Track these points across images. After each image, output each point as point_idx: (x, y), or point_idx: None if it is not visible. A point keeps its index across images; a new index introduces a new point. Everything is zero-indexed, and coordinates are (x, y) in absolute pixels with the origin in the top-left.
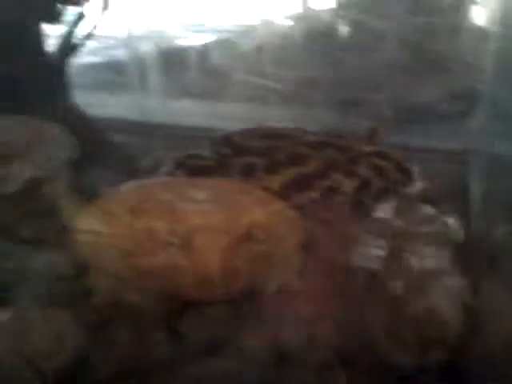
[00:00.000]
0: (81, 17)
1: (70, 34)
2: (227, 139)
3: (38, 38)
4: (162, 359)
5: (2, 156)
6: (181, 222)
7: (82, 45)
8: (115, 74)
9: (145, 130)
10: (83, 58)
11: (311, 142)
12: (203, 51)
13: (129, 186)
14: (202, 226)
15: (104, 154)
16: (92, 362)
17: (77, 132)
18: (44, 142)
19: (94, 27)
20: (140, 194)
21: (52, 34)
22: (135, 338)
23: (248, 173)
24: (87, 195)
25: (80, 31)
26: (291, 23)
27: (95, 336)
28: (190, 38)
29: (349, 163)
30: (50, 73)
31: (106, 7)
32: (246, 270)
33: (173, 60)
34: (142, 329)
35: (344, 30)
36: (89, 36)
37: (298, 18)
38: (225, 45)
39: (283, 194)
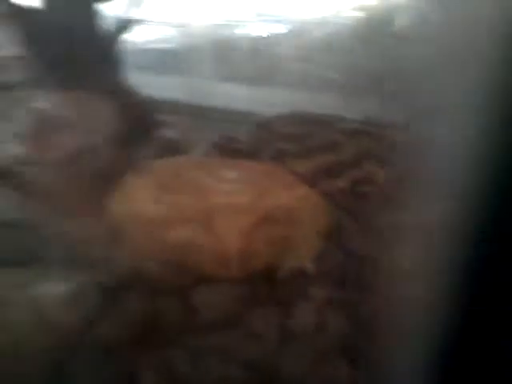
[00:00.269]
0: None
1: (123, 15)
2: (264, 124)
3: (92, 17)
4: (171, 329)
5: (51, 126)
6: (205, 200)
7: (134, 26)
8: (170, 57)
9: (193, 111)
10: (141, 41)
11: (347, 129)
12: (260, 40)
13: (163, 163)
14: (224, 205)
15: (149, 131)
16: (105, 324)
17: (125, 109)
18: (91, 115)
19: (146, 10)
20: (171, 171)
21: (106, 14)
22: (148, 305)
23: (280, 157)
24: (129, 169)
25: (134, 13)
26: (354, 15)
27: (111, 299)
28: (257, 27)
29: (385, 153)
30: (103, 50)
31: None
32: (263, 250)
33: (227, 47)
34: (156, 297)
35: (403, 20)
36: (141, 18)
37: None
38: (287, 35)
39: (312, 179)
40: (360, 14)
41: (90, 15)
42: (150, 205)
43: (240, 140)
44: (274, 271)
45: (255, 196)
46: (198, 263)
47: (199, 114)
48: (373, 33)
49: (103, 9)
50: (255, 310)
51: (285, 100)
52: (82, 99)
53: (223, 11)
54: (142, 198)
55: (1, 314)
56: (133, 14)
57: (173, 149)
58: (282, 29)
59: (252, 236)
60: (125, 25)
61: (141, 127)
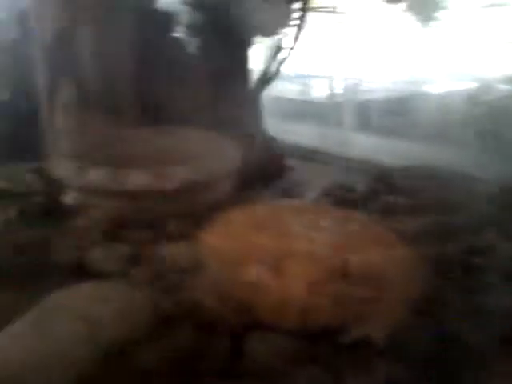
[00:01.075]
0: (278, 50)
1: (268, 67)
2: (382, 175)
3: (243, 66)
4: (219, 368)
5: (172, 158)
6: (284, 244)
7: (276, 77)
8: (309, 107)
9: (324, 159)
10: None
11: (472, 191)
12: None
13: (267, 204)
14: (301, 252)
15: (276, 174)
16: (151, 350)
17: (259, 153)
18: (212, 153)
19: (288, 61)
20: (269, 213)
21: (253, 66)
22: (199, 340)
23: (388, 211)
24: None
25: (278, 65)
26: None
27: (164, 324)
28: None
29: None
30: (248, 99)
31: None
32: (330, 308)
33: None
34: (209, 334)
35: None
36: (280, 70)
37: None
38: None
39: (416, 240)
40: None
41: (242, 64)
42: (232, 242)
43: (354, 189)
44: (337, 333)
45: (338, 248)
46: (259, 307)
47: (329, 161)
48: None
49: (251, 60)
50: (304, 369)
51: (420, 153)
52: (206, 137)
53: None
54: (228, 235)
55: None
56: (277, 67)
57: (290, 192)
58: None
59: (321, 289)
60: (270, 77)
61: (268, 170)
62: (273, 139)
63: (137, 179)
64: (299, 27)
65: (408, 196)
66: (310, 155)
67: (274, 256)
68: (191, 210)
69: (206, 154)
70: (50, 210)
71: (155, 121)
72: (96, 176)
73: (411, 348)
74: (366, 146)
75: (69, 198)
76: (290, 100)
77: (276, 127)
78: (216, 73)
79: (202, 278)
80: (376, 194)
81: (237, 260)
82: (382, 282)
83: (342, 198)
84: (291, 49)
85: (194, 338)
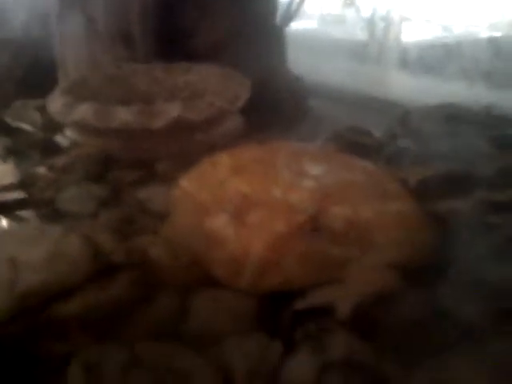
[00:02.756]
0: None
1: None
2: (404, 118)
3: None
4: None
5: (178, 96)
6: (257, 191)
7: (299, 13)
8: (346, 45)
9: (354, 99)
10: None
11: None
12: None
13: (260, 146)
14: (269, 200)
15: (296, 116)
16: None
17: (278, 92)
18: (215, 90)
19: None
20: (262, 155)
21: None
22: (139, 291)
23: (396, 160)
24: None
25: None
26: None
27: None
28: None
29: None
30: (271, 34)
31: None
32: (293, 266)
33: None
34: (152, 289)
35: None
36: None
37: None
38: None
39: (423, 193)
40: None
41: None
42: (204, 187)
43: (366, 133)
44: (296, 297)
45: (321, 198)
46: (213, 262)
47: (357, 102)
48: None
49: None
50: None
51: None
52: (224, 74)
53: None
54: (203, 179)
55: None
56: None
57: (305, 134)
58: None
59: (285, 244)
60: (295, 11)
61: (288, 110)
62: (297, 78)
63: (122, 116)
64: None
65: (424, 141)
66: (337, 95)
67: (242, 204)
68: (184, 150)
69: (209, 92)
70: (41, 147)
71: (170, 56)
72: (82, 112)
73: (382, 324)
74: (401, 86)
75: (61, 136)
76: (326, 38)
77: (306, 66)
78: (237, 4)
79: (164, 226)
80: (393, 138)
81: (204, 207)
82: (366, 240)
83: (354, 142)
84: None
85: (133, 291)
